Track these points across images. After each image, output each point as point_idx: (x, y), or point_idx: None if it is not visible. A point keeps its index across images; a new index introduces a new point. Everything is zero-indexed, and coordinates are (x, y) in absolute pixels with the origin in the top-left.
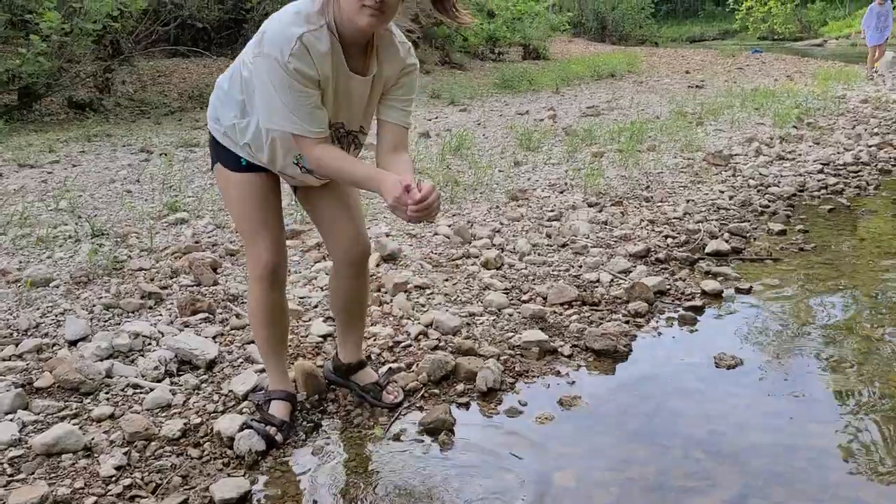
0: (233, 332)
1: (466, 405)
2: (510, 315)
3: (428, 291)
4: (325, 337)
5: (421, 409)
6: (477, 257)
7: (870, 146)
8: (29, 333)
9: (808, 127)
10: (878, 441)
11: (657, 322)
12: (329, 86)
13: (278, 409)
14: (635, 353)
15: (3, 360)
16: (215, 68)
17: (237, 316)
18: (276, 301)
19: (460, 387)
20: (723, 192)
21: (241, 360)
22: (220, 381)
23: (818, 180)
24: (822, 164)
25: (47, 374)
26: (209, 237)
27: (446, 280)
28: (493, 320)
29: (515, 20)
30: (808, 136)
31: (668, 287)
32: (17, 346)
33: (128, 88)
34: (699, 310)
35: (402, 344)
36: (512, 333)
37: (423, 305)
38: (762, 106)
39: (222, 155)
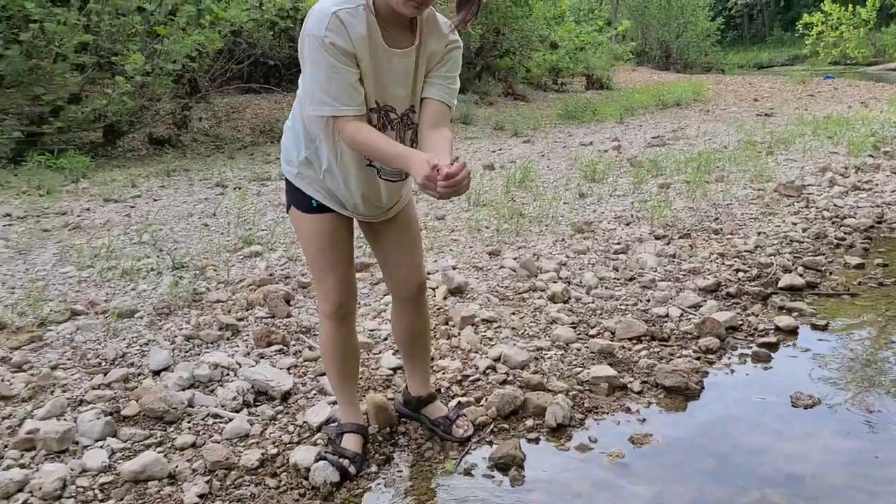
0: (306, 363)
1: (536, 440)
2: (578, 350)
3: (495, 325)
4: (394, 370)
5: (490, 443)
6: (543, 291)
7: None
8: (116, 363)
9: (884, 156)
10: None
11: (729, 359)
12: (368, 65)
13: (351, 442)
14: (708, 391)
15: (94, 388)
16: (285, 103)
17: (310, 348)
18: (346, 337)
19: (529, 422)
20: (795, 224)
21: (314, 391)
22: (294, 412)
23: None
24: None
25: (133, 403)
26: (282, 269)
27: (513, 313)
28: (561, 355)
29: (578, 50)
30: (886, 165)
31: (741, 322)
32: (105, 375)
33: (203, 125)
34: (773, 346)
35: (471, 378)
36: (580, 368)
37: (490, 339)
38: (835, 134)
39: (295, 197)
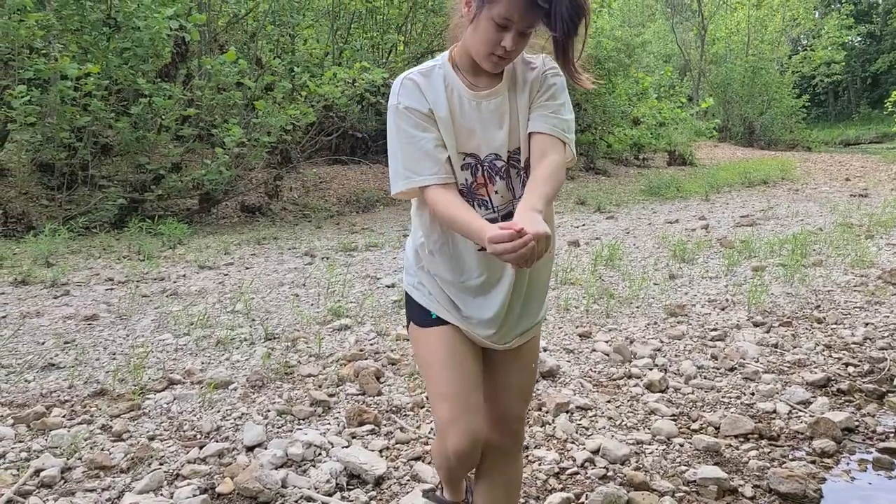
0: (398, 445)
1: None
2: (681, 445)
3: (590, 413)
4: None
5: None
6: (639, 378)
7: None
8: (211, 436)
9: None
10: None
11: (848, 464)
12: (450, 116)
13: None
14: (827, 501)
15: (190, 462)
16: (370, 174)
17: (402, 430)
18: (463, 475)
19: None
20: None
21: (407, 477)
22: (388, 498)
23: None
24: None
25: (228, 481)
26: (371, 344)
27: (608, 402)
28: (664, 450)
29: (660, 126)
30: None
31: (857, 423)
32: (201, 448)
33: (293, 194)
34: (895, 453)
35: (569, 471)
36: (685, 467)
37: (586, 428)
38: None
39: (414, 311)
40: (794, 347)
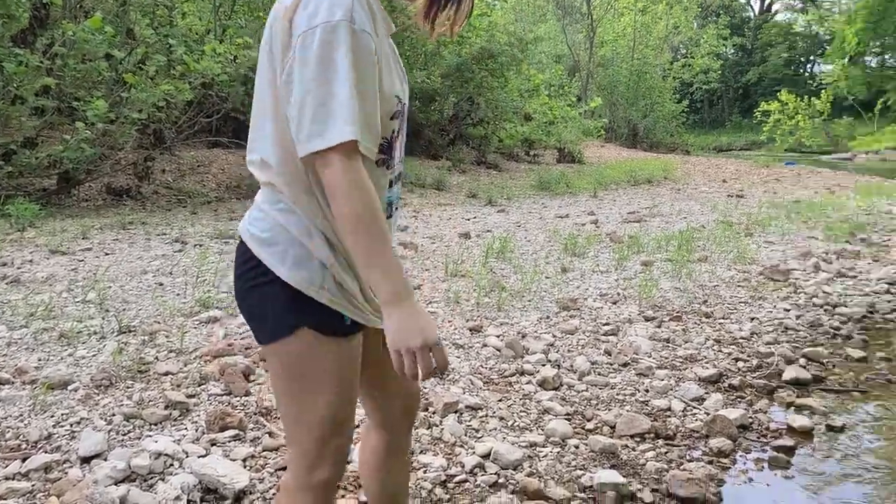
0: (265, 453)
1: None
2: (576, 447)
3: (481, 413)
4: None
5: None
6: (532, 374)
7: None
8: (39, 446)
9: (861, 243)
10: None
11: (745, 463)
12: (388, 46)
13: None
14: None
15: (7, 478)
16: None
17: (270, 434)
18: None
19: None
20: (788, 310)
21: (273, 489)
22: None
23: (888, 301)
24: (887, 283)
25: (53, 500)
26: (242, 338)
27: (500, 400)
28: (559, 453)
29: (550, 124)
30: (865, 252)
31: (751, 421)
32: (23, 461)
33: (167, 177)
34: (790, 451)
35: (457, 478)
36: (581, 472)
37: (476, 430)
38: (809, 219)
39: (312, 314)
40: (686, 342)
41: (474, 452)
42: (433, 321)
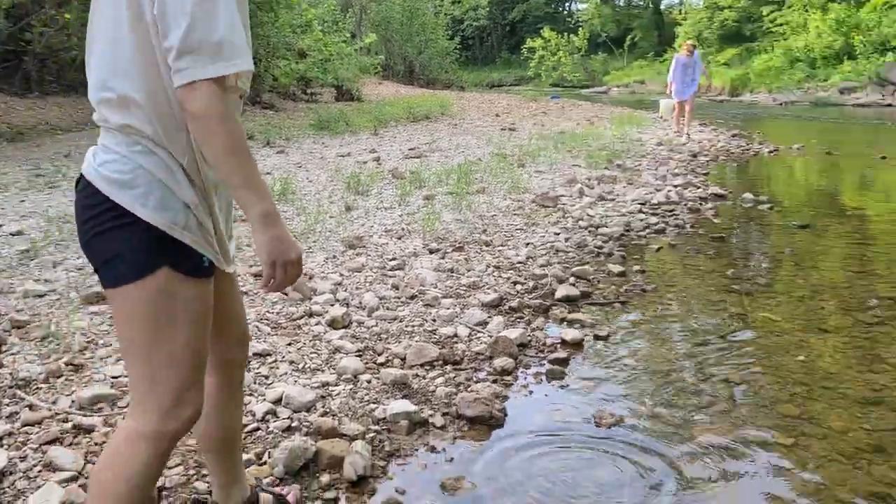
0: (25, 429)
1: (335, 500)
2: (369, 382)
3: (270, 360)
4: None
5: None
6: (321, 315)
7: (676, 186)
8: None
9: (618, 168)
10: (760, 478)
11: (525, 378)
12: None
13: None
14: (512, 417)
15: None
16: None
17: (31, 408)
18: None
19: (325, 477)
20: (558, 234)
21: (38, 467)
22: (12, 498)
23: (640, 220)
24: (639, 203)
25: None
26: None
27: (289, 344)
28: (351, 390)
29: (326, 61)
30: (621, 177)
31: (529, 339)
32: None
33: None
34: (565, 362)
35: (249, 428)
36: (374, 405)
37: (266, 377)
38: (573, 148)
39: (176, 255)
40: (468, 271)
41: (265, 399)
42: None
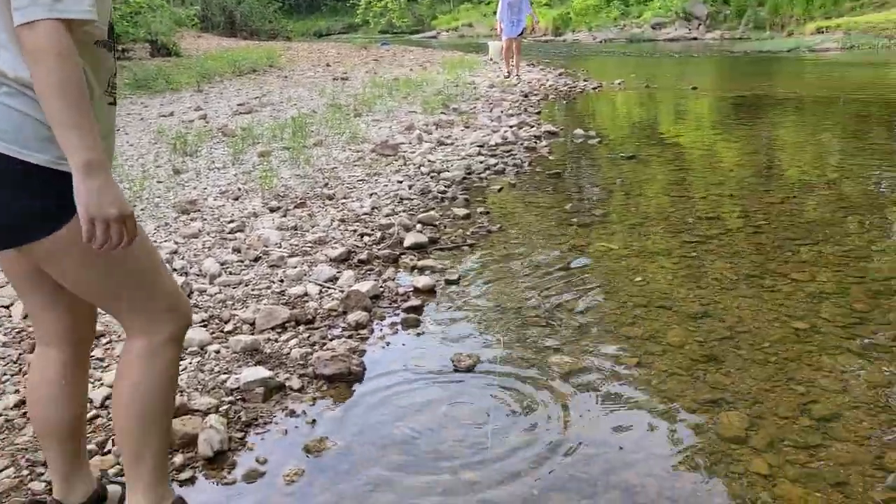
0: None
1: (192, 480)
2: (217, 352)
3: (104, 341)
4: None
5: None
6: None
7: (511, 126)
8: None
9: (454, 112)
10: (612, 398)
11: (381, 330)
12: None
13: None
14: (371, 371)
15: None
16: None
17: None
18: None
19: (179, 458)
20: (401, 182)
21: None
22: None
23: (480, 162)
24: (478, 146)
25: None
26: None
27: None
28: (199, 363)
29: (135, 14)
30: (458, 121)
31: (382, 290)
32: None
33: None
34: (419, 310)
35: (87, 417)
36: (226, 375)
37: (101, 360)
38: (408, 95)
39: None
40: (313, 227)
41: (102, 384)
42: (123, 193)
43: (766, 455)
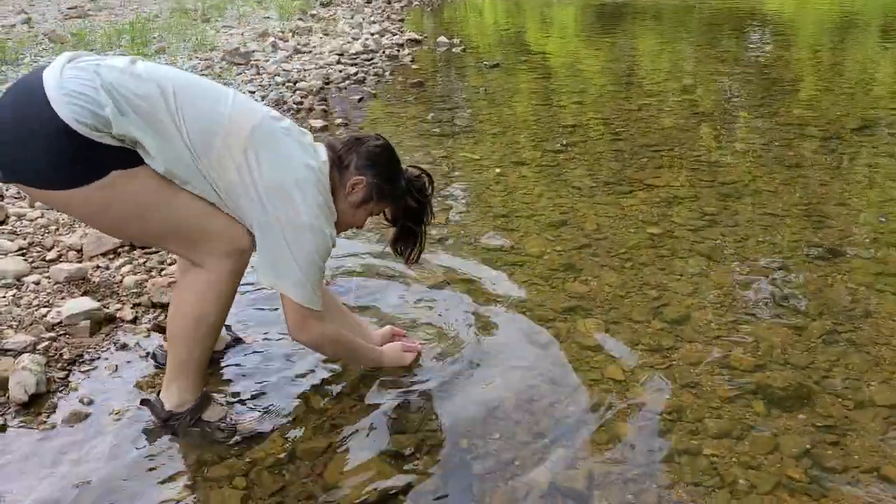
0: None
1: (2, 429)
2: (37, 284)
3: None
4: None
5: None
6: None
7: (373, 34)
8: None
9: (313, 19)
10: (474, 309)
11: None
12: None
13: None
14: None
15: None
16: None
17: None
18: None
19: None
20: (254, 91)
21: None
22: None
23: (339, 71)
24: (337, 55)
25: None
26: None
27: None
28: (14, 296)
29: None
30: (316, 27)
31: None
32: None
33: None
34: None
35: None
36: (46, 309)
37: None
38: None
39: (104, 158)
40: None
41: None
42: None
43: (620, 361)
